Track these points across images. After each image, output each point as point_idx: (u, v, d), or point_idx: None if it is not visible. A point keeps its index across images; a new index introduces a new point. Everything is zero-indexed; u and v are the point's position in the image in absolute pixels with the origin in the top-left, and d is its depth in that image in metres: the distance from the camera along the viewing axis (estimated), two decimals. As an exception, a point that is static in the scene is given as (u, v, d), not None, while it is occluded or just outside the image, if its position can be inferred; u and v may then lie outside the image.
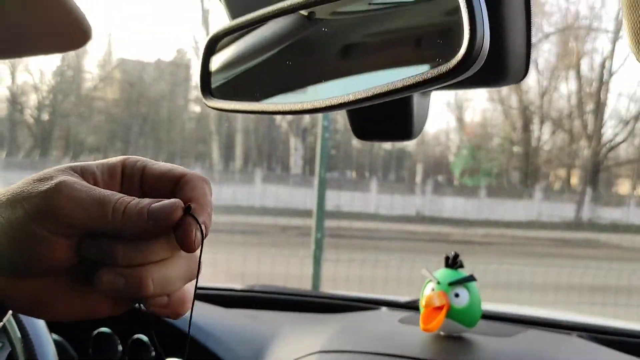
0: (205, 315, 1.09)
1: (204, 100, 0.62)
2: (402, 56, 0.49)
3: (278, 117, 19.39)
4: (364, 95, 0.47)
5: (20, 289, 0.41)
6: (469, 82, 0.65)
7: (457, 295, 0.92)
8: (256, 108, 0.57)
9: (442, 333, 0.96)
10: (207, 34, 0.61)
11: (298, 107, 0.53)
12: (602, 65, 21.88)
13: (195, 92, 18.67)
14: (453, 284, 0.93)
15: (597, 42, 22.23)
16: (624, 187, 25.02)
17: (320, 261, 3.46)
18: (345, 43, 0.56)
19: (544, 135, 22.37)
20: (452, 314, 0.91)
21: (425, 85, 0.43)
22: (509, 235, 12.66)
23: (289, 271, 3.78)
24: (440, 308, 0.91)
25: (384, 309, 1.21)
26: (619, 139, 22.48)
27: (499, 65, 0.59)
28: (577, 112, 21.41)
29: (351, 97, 0.48)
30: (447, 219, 14.79)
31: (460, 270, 0.95)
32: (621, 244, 13.10)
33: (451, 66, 0.41)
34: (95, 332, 1.06)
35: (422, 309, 0.95)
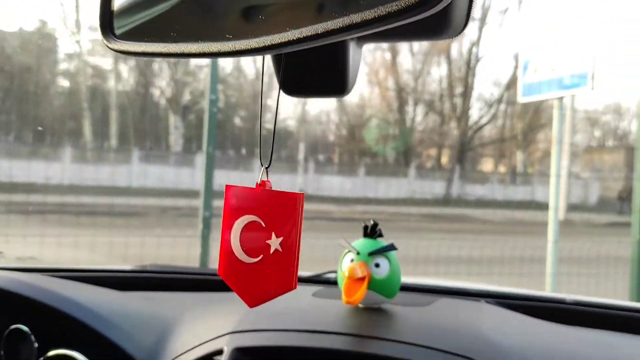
0: (99, 300, 0.97)
1: (105, 42, 0.52)
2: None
3: (156, 93, 18.58)
4: (296, 36, 0.40)
5: None
6: (410, 34, 0.61)
7: (377, 265, 0.89)
8: (170, 50, 0.48)
9: (360, 305, 0.93)
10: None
11: (216, 48, 0.45)
12: (470, 51, 23.41)
13: (65, 64, 17.33)
14: (373, 253, 0.90)
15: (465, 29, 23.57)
16: (488, 165, 27.14)
17: (208, 240, 3.34)
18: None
19: (418, 117, 23.58)
20: (372, 285, 0.88)
21: (375, 24, 0.37)
22: (387, 212, 13.23)
23: (174, 253, 3.61)
24: (361, 279, 0.87)
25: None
26: (484, 120, 24.26)
27: (442, 17, 0.55)
28: (448, 95, 22.76)
29: (281, 39, 0.41)
30: (328, 197, 15.14)
31: (379, 239, 0.92)
32: (487, 218, 14.19)
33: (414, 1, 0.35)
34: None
35: (341, 281, 0.90)
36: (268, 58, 0.62)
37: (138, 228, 5.45)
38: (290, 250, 0.53)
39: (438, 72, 24.07)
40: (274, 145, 0.55)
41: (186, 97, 18.18)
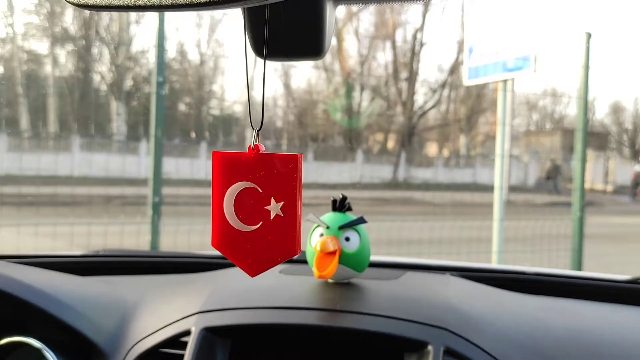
0: (54, 284, 0.91)
1: None
2: None
3: (96, 79, 17.92)
4: None
5: None
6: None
7: (347, 239, 0.88)
8: (139, 2, 0.44)
9: (330, 280, 0.91)
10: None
11: None
12: (414, 37, 23.69)
13: (-4, 49, 16.44)
14: (343, 227, 0.88)
15: (409, 15, 23.88)
16: (432, 149, 27.67)
17: (158, 227, 3.25)
18: None
19: (364, 102, 23.75)
20: (343, 259, 0.87)
21: None
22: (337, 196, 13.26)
23: (122, 242, 3.50)
24: (332, 254, 0.86)
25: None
26: (428, 105, 24.68)
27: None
28: (393, 80, 23.00)
29: None
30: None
31: (348, 213, 0.91)
32: (432, 201, 14.49)
33: None
34: None
35: (311, 256, 0.89)
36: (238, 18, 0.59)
37: (82, 217, 5.26)
38: (293, 215, 0.51)
39: (383, 57, 24.30)
40: (264, 109, 0.52)
41: (128, 82, 17.64)
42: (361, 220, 0.90)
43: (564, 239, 4.48)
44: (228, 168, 0.52)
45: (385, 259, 1.14)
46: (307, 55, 0.59)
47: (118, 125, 15.78)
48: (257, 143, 0.51)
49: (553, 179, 20.17)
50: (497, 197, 3.95)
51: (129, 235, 3.46)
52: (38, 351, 0.81)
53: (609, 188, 20.49)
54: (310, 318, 0.80)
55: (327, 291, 0.88)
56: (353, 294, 0.87)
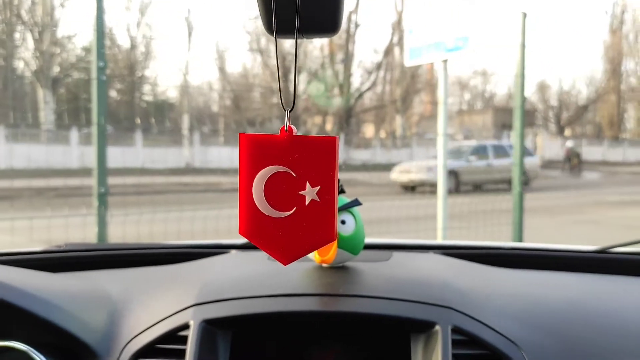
0: (35, 282, 0.85)
1: None
2: None
3: (20, 65, 16.99)
4: None
5: None
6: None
7: (343, 222, 0.87)
8: None
9: (325, 265, 0.90)
10: None
11: None
12: (349, 18, 23.75)
13: None
14: (339, 210, 0.87)
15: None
16: (370, 131, 27.99)
17: (105, 218, 3.13)
18: None
19: (301, 85, 23.68)
20: (340, 242, 0.86)
21: None
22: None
23: (69, 235, 3.35)
24: (330, 237, 0.84)
25: (233, 251, 1.11)
26: (364, 87, 24.90)
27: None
28: (329, 62, 23.02)
29: None
30: (216, 168, 14.91)
31: (341, 196, 0.90)
32: (372, 182, 14.70)
33: None
34: None
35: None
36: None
37: (22, 210, 5.00)
38: (330, 200, 0.49)
39: (319, 39, 24.24)
40: (296, 89, 0.50)
41: (55, 69, 16.81)
42: (356, 203, 0.89)
43: (500, 213, 4.66)
44: (258, 151, 0.49)
45: (370, 240, 1.14)
46: (323, 32, 0.57)
47: (46, 114, 15.03)
48: (289, 125, 0.49)
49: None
50: (441, 175, 4.04)
51: (74, 228, 3.32)
52: (25, 354, 0.76)
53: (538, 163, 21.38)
54: (313, 304, 0.78)
55: (325, 276, 0.87)
56: (352, 277, 0.86)
